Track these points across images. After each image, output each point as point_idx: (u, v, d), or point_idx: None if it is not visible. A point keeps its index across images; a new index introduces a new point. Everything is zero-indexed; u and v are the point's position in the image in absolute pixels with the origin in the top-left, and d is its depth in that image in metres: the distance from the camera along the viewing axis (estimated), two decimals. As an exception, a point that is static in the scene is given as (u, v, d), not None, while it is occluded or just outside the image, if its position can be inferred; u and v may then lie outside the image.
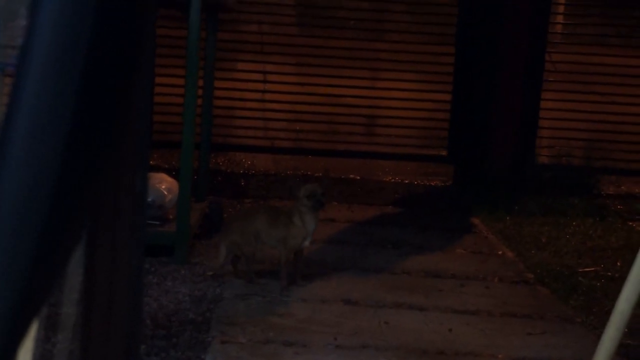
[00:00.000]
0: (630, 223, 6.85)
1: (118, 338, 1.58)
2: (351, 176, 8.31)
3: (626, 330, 1.88)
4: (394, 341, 3.88)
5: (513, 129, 7.75)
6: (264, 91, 8.57)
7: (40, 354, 1.41)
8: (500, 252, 5.69)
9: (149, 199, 5.09)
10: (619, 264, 5.53)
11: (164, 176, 5.43)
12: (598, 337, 3.15)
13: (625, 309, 1.85)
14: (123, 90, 0.91)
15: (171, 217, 5.26)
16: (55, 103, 0.82)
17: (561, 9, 8.79)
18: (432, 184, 8.33)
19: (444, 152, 8.47)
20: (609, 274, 5.27)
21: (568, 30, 8.74)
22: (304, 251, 4.82)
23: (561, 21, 8.80)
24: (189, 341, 3.76)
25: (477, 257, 5.55)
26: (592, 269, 5.38)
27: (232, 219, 4.97)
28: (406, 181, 8.33)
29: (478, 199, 7.24)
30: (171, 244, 4.96)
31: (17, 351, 0.86)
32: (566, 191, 7.60)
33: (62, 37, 0.82)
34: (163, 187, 5.26)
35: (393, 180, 8.35)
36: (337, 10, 8.54)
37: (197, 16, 4.91)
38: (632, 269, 1.89)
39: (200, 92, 5.83)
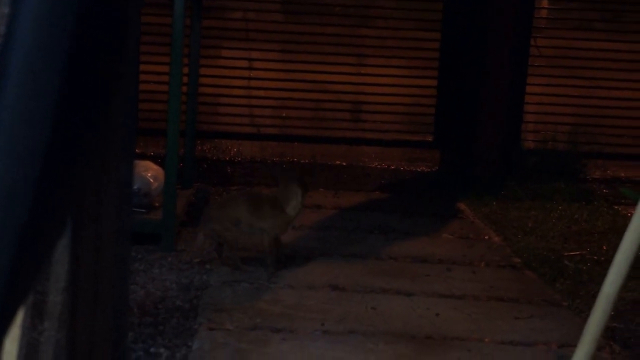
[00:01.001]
0: (616, 207, 6.88)
1: (105, 326, 1.57)
2: (337, 162, 8.31)
3: (612, 313, 1.89)
4: (382, 326, 3.89)
5: (499, 114, 7.76)
6: (249, 78, 8.55)
7: (27, 342, 1.40)
8: (486, 237, 5.71)
9: (135, 187, 5.09)
10: (604, 247, 5.55)
11: (149, 164, 5.42)
12: (584, 320, 3.16)
13: (611, 292, 1.85)
14: (108, 77, 0.90)
15: (157, 204, 5.25)
16: (39, 92, 0.81)
17: (546, -7, 8.80)
18: (418, 169, 8.34)
19: (430, 138, 8.48)
20: (595, 257, 5.29)
21: (553, 15, 8.75)
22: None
23: (546, 6, 8.80)
24: (176, 328, 3.76)
25: (464, 242, 5.56)
26: (578, 252, 5.40)
27: (212, 207, 4.95)
28: (392, 167, 8.34)
29: (464, 184, 7.26)
30: (157, 232, 4.96)
31: (4, 339, 0.86)
32: (552, 176, 7.62)
33: (45, 25, 0.81)
34: (149, 174, 5.25)
35: (379, 166, 8.36)
36: (322, -4, 8.51)
37: (181, 3, 4.90)
38: (617, 252, 1.90)
39: (185, 79, 5.82)
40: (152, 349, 3.52)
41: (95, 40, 0.87)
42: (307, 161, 8.24)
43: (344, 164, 8.31)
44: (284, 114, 8.67)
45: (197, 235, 4.80)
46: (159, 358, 3.46)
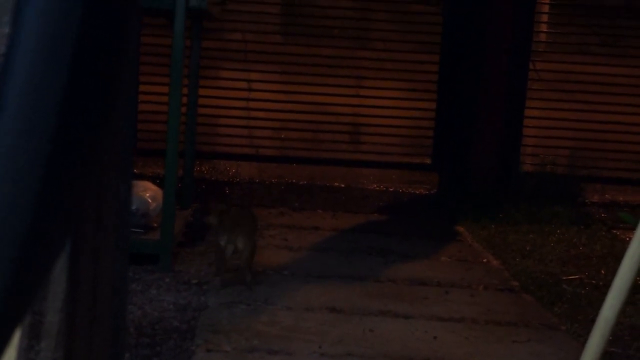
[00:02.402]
0: (614, 231, 6.87)
1: (102, 346, 1.57)
2: (336, 184, 8.31)
3: (610, 337, 1.88)
4: (380, 349, 3.87)
5: (497, 137, 7.77)
6: (248, 99, 8.56)
7: (23, 363, 1.40)
8: (485, 260, 5.70)
9: (133, 207, 5.08)
10: (603, 272, 5.54)
11: (148, 184, 5.41)
12: (582, 344, 3.16)
13: (609, 316, 1.85)
14: (107, 98, 0.90)
15: (155, 225, 5.24)
16: (38, 111, 0.81)
17: (545, 18, 8.83)
18: (417, 192, 8.34)
19: (428, 160, 8.48)
20: (593, 281, 5.29)
21: (552, 39, 8.78)
22: None
23: (545, 30, 8.83)
24: (173, 350, 3.74)
25: (462, 265, 5.56)
26: (577, 276, 5.39)
27: (228, 226, 4.77)
28: (391, 189, 8.33)
29: (462, 207, 7.25)
30: (155, 252, 4.95)
31: None
32: (550, 199, 7.62)
33: (46, 46, 0.81)
34: (147, 195, 5.24)
35: (378, 188, 8.36)
36: (321, 18, 8.54)
37: (181, 24, 4.91)
38: (616, 277, 1.89)
39: (184, 100, 5.82)
40: (148, 370, 3.51)
41: (94, 60, 0.87)
42: (305, 182, 8.24)
43: (343, 185, 8.31)
44: (282, 135, 8.68)
45: (222, 252, 4.72)
46: (155, 379, 3.45)
